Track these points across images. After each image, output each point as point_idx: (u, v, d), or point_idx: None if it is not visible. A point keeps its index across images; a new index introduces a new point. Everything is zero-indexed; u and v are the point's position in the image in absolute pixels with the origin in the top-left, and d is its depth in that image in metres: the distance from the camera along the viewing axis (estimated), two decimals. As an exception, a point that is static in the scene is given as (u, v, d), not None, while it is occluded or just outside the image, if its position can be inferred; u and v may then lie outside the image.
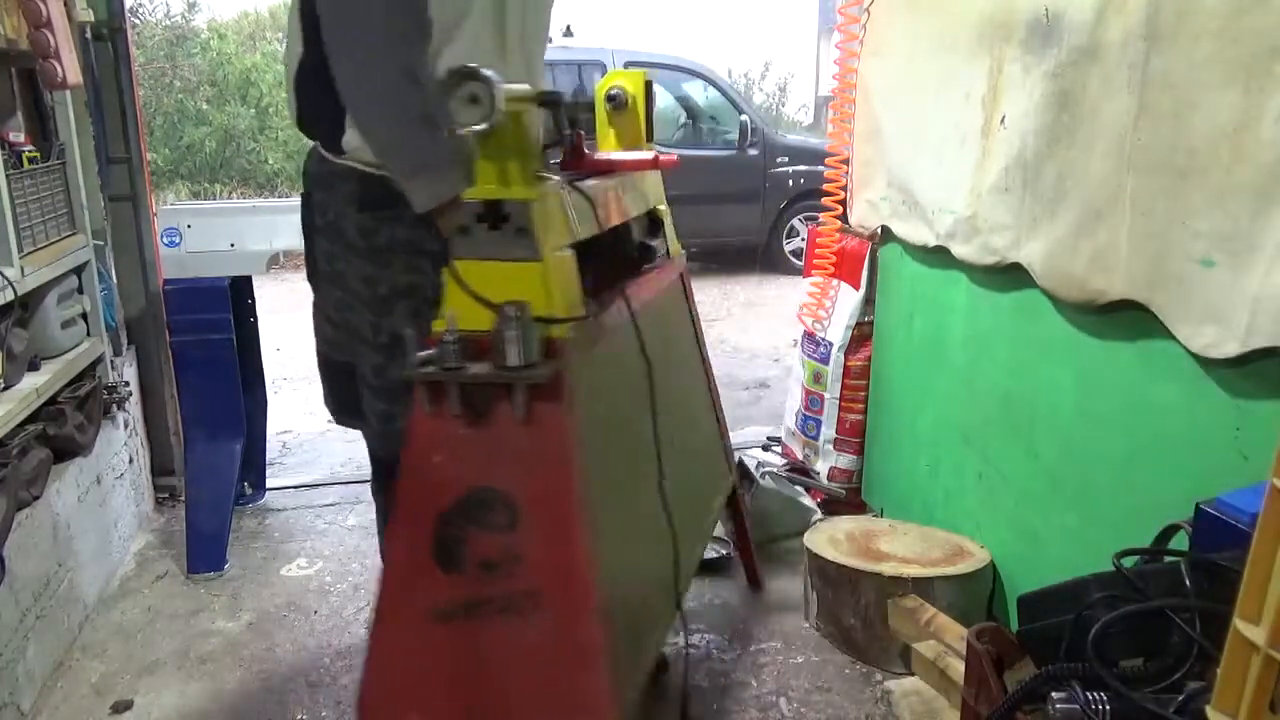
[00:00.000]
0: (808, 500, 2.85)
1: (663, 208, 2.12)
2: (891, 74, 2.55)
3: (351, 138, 1.55)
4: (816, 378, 3.00)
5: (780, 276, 7.28)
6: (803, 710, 2.03)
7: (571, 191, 1.53)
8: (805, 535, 2.38)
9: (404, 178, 1.43)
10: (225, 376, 2.87)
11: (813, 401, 3.01)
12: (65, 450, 2.39)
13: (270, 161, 10.94)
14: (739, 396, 4.36)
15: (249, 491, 3.13)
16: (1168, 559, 1.31)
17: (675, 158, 1.88)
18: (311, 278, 1.78)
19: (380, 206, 1.55)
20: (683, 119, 7.83)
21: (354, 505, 3.13)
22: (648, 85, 2.01)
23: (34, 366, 2.30)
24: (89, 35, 2.79)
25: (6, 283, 2.07)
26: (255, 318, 3.08)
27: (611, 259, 1.81)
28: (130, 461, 2.87)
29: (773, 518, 2.76)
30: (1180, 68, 1.50)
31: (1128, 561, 1.28)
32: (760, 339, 5.43)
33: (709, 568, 2.62)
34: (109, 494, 2.65)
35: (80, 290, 2.61)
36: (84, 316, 2.61)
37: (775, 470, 2.90)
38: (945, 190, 2.24)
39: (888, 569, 2.12)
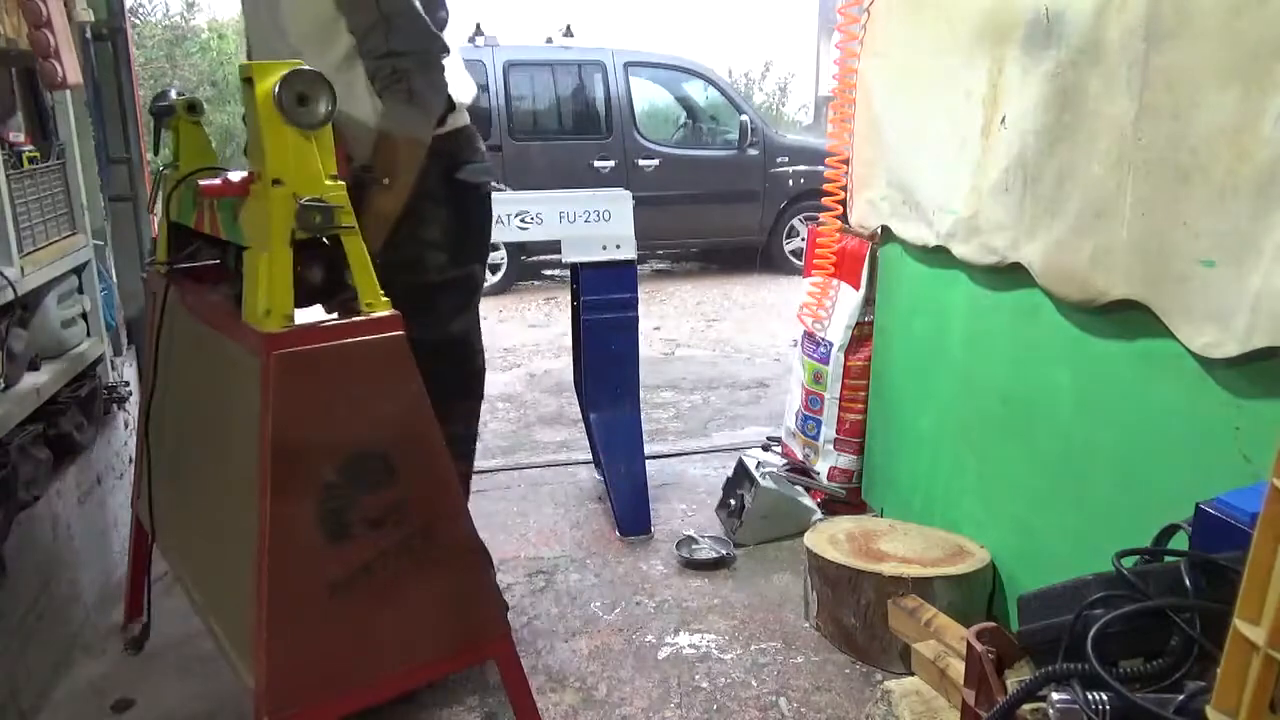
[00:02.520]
0: (808, 500, 2.85)
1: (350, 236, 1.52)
2: (891, 74, 2.55)
3: None
4: (816, 378, 3.00)
5: (780, 276, 7.28)
6: (803, 710, 2.03)
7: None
8: (805, 535, 2.38)
9: None
10: (225, 376, 2.87)
11: (813, 401, 3.01)
12: (65, 450, 2.39)
13: (270, 161, 10.92)
14: (739, 396, 4.37)
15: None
16: (1168, 559, 1.31)
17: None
18: None
19: None
20: (683, 119, 7.84)
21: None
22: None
23: (34, 366, 2.29)
24: (89, 35, 2.79)
25: (6, 283, 2.07)
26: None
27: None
28: (130, 462, 2.87)
29: (773, 518, 2.77)
30: (1180, 68, 1.50)
31: (1128, 561, 1.28)
32: (760, 339, 5.43)
33: (709, 567, 2.63)
34: (109, 494, 2.65)
35: (80, 290, 2.61)
36: (84, 316, 2.60)
37: (775, 470, 2.90)
38: (945, 190, 2.24)
39: (888, 569, 2.12)
